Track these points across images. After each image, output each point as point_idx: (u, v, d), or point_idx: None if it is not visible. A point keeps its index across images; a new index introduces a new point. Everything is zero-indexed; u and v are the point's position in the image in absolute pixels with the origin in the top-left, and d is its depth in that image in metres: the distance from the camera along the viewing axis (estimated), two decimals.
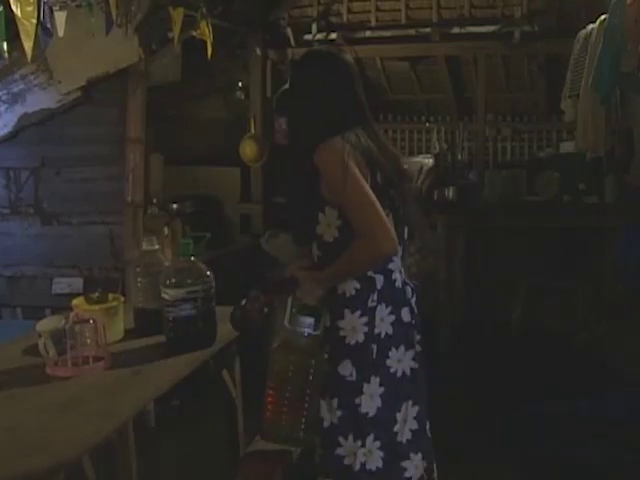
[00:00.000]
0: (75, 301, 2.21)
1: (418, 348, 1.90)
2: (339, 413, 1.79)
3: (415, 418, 1.86)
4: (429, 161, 5.36)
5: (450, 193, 5.06)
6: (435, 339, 4.32)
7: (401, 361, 1.84)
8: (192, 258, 2.13)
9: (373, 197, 1.73)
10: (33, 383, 1.82)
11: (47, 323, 1.98)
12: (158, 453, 2.99)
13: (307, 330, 1.66)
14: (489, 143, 5.45)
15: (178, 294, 2.07)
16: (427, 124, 5.64)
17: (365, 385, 1.79)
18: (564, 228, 4.73)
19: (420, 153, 5.62)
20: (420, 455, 1.87)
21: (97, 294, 2.23)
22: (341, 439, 1.79)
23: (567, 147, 4.85)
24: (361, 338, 1.79)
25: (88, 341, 1.94)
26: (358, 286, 1.80)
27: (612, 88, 3.51)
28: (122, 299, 2.29)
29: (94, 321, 1.97)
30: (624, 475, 2.91)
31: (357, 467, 1.78)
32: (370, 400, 1.79)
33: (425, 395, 1.91)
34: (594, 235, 4.68)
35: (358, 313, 1.79)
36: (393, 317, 1.83)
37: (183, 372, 1.95)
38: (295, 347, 1.67)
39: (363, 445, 1.78)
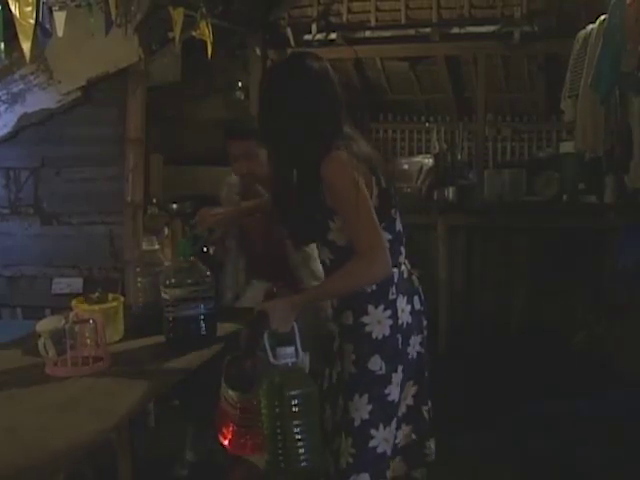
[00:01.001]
0: (75, 301, 2.21)
1: (425, 333, 1.96)
2: (369, 407, 1.82)
3: (413, 396, 1.93)
4: (429, 161, 5.36)
5: (450, 193, 5.07)
6: (435, 339, 4.32)
7: (414, 346, 1.90)
8: (192, 258, 2.13)
9: (376, 218, 1.77)
10: (33, 383, 1.82)
11: (47, 323, 1.98)
12: (158, 453, 2.99)
13: (290, 360, 1.65)
14: (489, 143, 5.46)
15: (178, 294, 2.07)
16: (427, 124, 5.65)
17: (393, 375, 1.84)
18: (563, 228, 4.74)
19: (420, 153, 5.62)
20: (410, 427, 1.93)
21: (97, 294, 2.23)
22: (373, 431, 1.82)
23: (567, 147, 4.85)
24: (387, 331, 1.83)
25: (88, 341, 1.94)
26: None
27: (612, 88, 3.50)
28: (122, 299, 2.28)
29: (94, 321, 1.97)
30: (624, 475, 2.91)
31: (389, 452, 1.85)
32: (396, 388, 1.85)
33: (425, 378, 1.97)
34: (593, 235, 4.68)
35: (382, 307, 1.83)
36: (410, 307, 1.89)
37: (183, 372, 1.95)
38: (284, 379, 1.64)
39: (389, 430, 1.85)
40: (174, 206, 4.45)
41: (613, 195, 4.53)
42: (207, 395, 2.02)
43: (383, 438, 1.83)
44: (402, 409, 1.91)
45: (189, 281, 2.07)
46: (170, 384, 1.88)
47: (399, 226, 1.89)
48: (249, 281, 2.84)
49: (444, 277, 4.76)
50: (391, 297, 1.84)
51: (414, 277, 1.95)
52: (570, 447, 3.21)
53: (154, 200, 4.20)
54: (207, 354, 2.08)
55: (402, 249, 1.90)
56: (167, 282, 2.09)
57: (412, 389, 1.93)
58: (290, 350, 1.65)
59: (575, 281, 4.78)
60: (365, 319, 1.83)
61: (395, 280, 1.85)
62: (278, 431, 1.61)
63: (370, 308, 1.83)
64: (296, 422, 1.60)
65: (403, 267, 1.90)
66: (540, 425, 3.44)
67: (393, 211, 1.87)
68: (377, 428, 1.82)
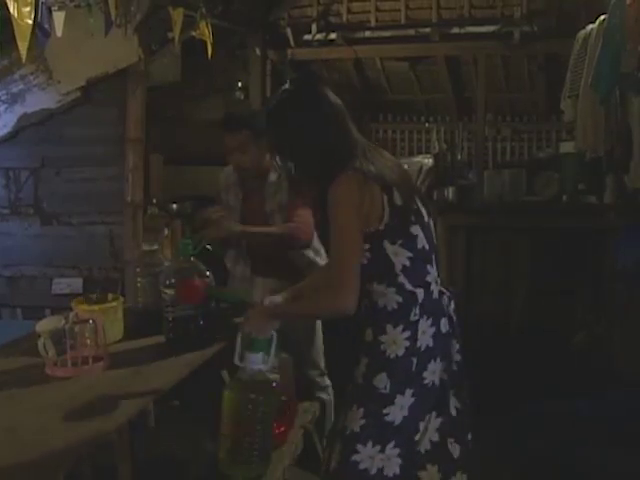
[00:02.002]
0: (75, 301, 2.21)
1: (457, 357, 1.91)
2: (362, 422, 1.80)
3: (437, 430, 1.86)
4: (429, 161, 5.36)
5: (450, 193, 5.07)
6: None
7: (435, 372, 1.84)
8: (192, 258, 2.13)
9: (358, 249, 1.75)
10: (33, 383, 1.82)
11: (47, 323, 1.99)
12: (158, 453, 2.98)
13: (257, 366, 1.66)
14: (489, 143, 5.46)
15: None
16: (427, 124, 5.65)
17: (398, 397, 1.79)
18: (563, 228, 4.73)
19: (420, 153, 5.62)
20: (437, 467, 1.85)
21: (96, 294, 2.24)
22: (359, 446, 1.79)
23: (566, 147, 4.85)
24: (401, 352, 1.79)
25: (88, 341, 1.94)
26: (400, 300, 1.80)
27: (612, 88, 3.50)
28: (121, 299, 2.28)
29: (94, 321, 1.97)
30: (624, 475, 2.91)
31: (373, 471, 1.78)
32: (399, 410, 1.80)
33: (450, 408, 1.89)
34: (593, 235, 4.68)
35: (400, 328, 1.79)
36: (434, 329, 1.83)
37: (183, 372, 1.95)
38: (246, 385, 1.66)
39: (382, 451, 1.79)
40: (174, 206, 4.45)
41: (613, 195, 4.53)
42: (207, 395, 2.02)
43: (368, 455, 1.78)
44: (425, 445, 1.84)
45: None
46: (170, 384, 1.88)
47: (423, 243, 1.82)
48: (253, 278, 2.84)
49: (444, 277, 4.75)
50: (413, 318, 1.79)
51: (445, 298, 1.89)
52: (570, 447, 3.20)
53: (154, 200, 4.20)
54: (207, 354, 2.08)
55: (429, 268, 1.84)
56: (167, 282, 2.09)
57: (436, 422, 1.86)
58: (257, 357, 1.65)
59: (575, 281, 4.78)
60: (382, 338, 1.80)
61: (420, 300, 1.80)
62: (239, 430, 1.63)
63: (389, 328, 1.80)
64: (253, 425, 1.61)
65: (433, 286, 1.84)
66: (540, 425, 3.44)
67: (413, 227, 1.81)
68: (365, 444, 1.78)
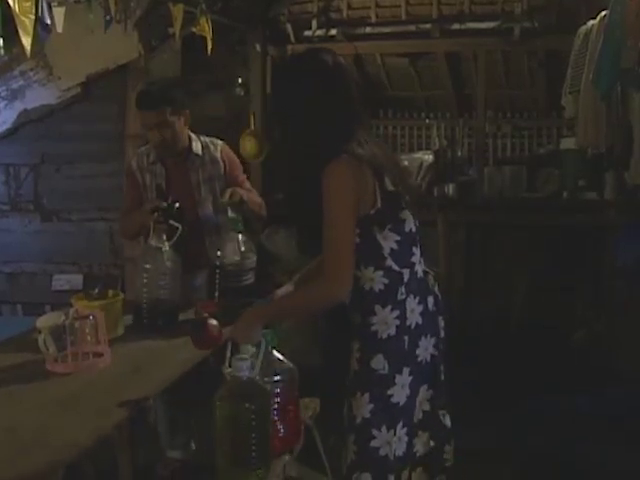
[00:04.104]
0: (74, 297, 2.21)
1: (442, 334, 1.92)
2: (371, 407, 1.80)
3: (428, 400, 1.90)
4: (429, 157, 5.35)
5: (450, 189, 5.06)
6: None
7: (427, 349, 1.87)
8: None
9: (352, 238, 1.74)
10: (33, 380, 1.82)
11: (47, 319, 1.99)
12: (159, 450, 2.99)
13: (244, 374, 1.65)
14: (489, 140, 5.44)
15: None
16: (427, 120, 5.63)
17: (397, 376, 1.81)
18: (564, 225, 4.73)
19: (420, 149, 5.60)
20: (428, 434, 1.90)
21: (97, 290, 2.23)
22: (375, 431, 1.80)
23: (567, 144, 4.83)
24: (393, 331, 1.80)
25: (88, 337, 1.94)
26: (386, 281, 1.80)
27: (612, 84, 3.49)
28: (122, 295, 2.29)
29: (94, 317, 1.97)
30: (624, 473, 2.91)
31: (392, 457, 1.81)
32: (401, 389, 1.81)
33: (442, 381, 1.93)
34: (593, 232, 4.68)
35: (389, 307, 1.80)
36: (421, 307, 1.85)
37: (183, 369, 1.95)
38: (237, 394, 1.65)
39: (395, 433, 1.81)
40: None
41: (613, 192, 4.52)
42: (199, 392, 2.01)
43: (386, 441, 1.80)
44: (418, 415, 1.87)
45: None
46: (170, 381, 1.88)
47: (410, 226, 1.84)
48: None
49: (444, 273, 4.76)
50: (400, 297, 1.81)
51: (430, 277, 1.91)
52: (569, 444, 3.21)
53: None
54: (207, 351, 2.07)
55: (414, 249, 1.85)
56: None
57: (427, 393, 1.89)
58: (245, 364, 1.64)
59: (575, 278, 4.77)
60: (372, 319, 1.81)
61: (405, 280, 1.82)
62: (234, 438, 1.62)
63: (377, 308, 1.80)
64: (248, 434, 1.61)
65: (417, 267, 1.86)
66: (540, 421, 3.45)
67: (402, 212, 1.82)
68: (379, 429, 1.79)
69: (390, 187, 1.80)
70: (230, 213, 2.49)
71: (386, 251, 1.79)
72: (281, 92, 1.88)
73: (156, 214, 2.40)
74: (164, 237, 2.33)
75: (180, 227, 2.39)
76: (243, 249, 2.37)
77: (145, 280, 2.29)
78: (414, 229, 1.85)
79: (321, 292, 1.77)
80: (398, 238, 1.81)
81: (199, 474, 2.81)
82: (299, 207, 1.92)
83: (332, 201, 1.73)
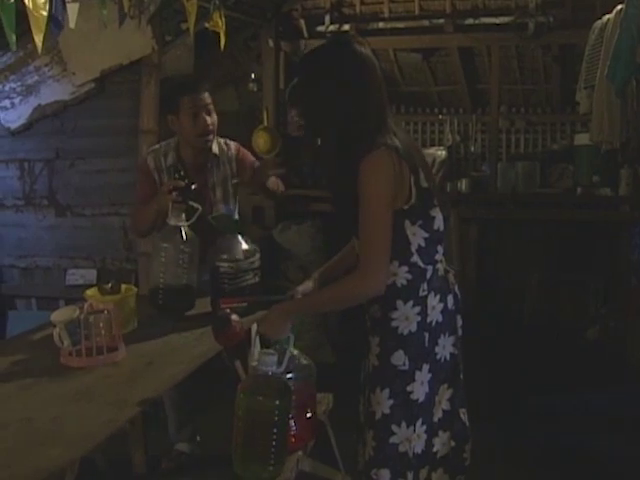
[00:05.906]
0: (88, 292, 2.22)
1: (460, 332, 1.91)
2: (390, 402, 1.80)
3: (448, 400, 1.88)
4: (442, 153, 5.34)
5: (463, 185, 5.05)
6: None
7: (445, 347, 1.86)
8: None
9: (390, 233, 1.72)
10: (47, 373, 1.83)
11: (61, 313, 2.00)
12: (167, 443, 3.00)
13: (270, 369, 1.64)
14: (502, 135, 5.42)
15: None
16: (440, 116, 5.61)
17: (417, 372, 1.80)
18: (578, 221, 4.70)
19: (433, 145, 5.59)
20: (448, 434, 1.88)
21: (110, 285, 2.24)
22: (394, 427, 1.80)
23: (581, 139, 4.80)
24: (414, 327, 1.79)
25: (102, 331, 1.95)
26: (410, 277, 1.80)
27: (628, 79, 3.47)
28: (135, 290, 2.29)
29: (108, 312, 1.98)
30: (638, 469, 2.90)
31: (411, 454, 1.80)
32: (420, 386, 1.81)
33: (461, 380, 1.92)
34: (608, 228, 4.65)
35: (411, 303, 1.80)
36: (442, 305, 1.84)
37: (196, 363, 1.96)
38: (261, 388, 1.64)
39: (414, 430, 1.81)
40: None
41: (628, 188, 4.49)
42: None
43: (405, 437, 1.79)
44: (438, 414, 1.86)
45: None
46: (183, 374, 1.89)
47: (439, 224, 1.83)
48: None
49: (457, 269, 4.74)
50: (422, 294, 1.80)
51: (450, 276, 1.91)
52: (585, 442, 3.20)
53: None
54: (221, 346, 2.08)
55: (439, 248, 1.85)
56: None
57: (447, 392, 1.88)
58: (272, 359, 1.64)
59: (589, 274, 4.75)
60: (393, 314, 1.80)
61: (427, 277, 1.81)
62: (254, 433, 1.62)
63: (399, 303, 1.80)
64: (269, 430, 1.60)
65: (439, 265, 1.86)
66: (552, 418, 3.43)
67: (433, 210, 1.81)
68: (399, 425, 1.79)
69: (424, 184, 1.79)
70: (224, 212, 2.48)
71: (414, 247, 1.79)
72: (311, 82, 1.85)
73: (174, 194, 2.36)
74: (183, 216, 2.30)
75: (200, 208, 2.35)
76: (247, 248, 2.33)
77: (162, 259, 2.28)
78: (442, 228, 1.85)
79: (357, 286, 1.75)
80: (426, 235, 1.80)
81: (205, 467, 2.83)
82: (343, 199, 1.85)
83: (371, 194, 1.71)
